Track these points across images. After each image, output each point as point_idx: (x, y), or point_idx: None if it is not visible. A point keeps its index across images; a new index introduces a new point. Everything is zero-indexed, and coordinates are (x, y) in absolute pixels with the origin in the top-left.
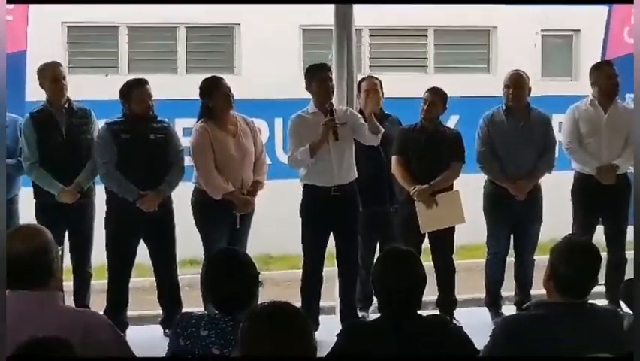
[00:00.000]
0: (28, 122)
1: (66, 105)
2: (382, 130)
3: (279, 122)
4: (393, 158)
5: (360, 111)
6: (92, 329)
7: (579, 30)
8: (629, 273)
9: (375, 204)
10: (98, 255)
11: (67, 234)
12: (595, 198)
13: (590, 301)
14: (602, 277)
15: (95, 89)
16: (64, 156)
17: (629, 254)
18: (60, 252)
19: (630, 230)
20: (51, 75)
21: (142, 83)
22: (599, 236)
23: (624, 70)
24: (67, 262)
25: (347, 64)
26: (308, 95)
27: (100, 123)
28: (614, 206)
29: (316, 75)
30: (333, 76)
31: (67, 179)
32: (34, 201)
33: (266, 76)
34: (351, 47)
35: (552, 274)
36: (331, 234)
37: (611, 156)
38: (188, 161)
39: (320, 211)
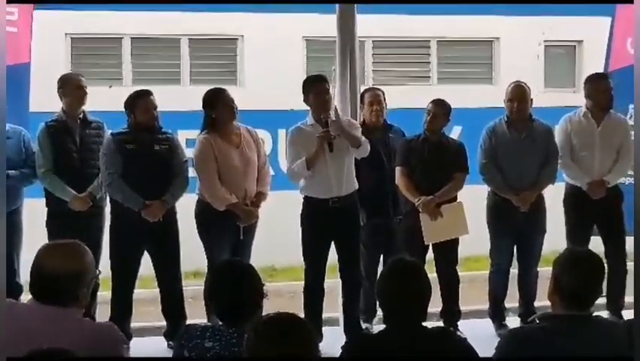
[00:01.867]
0: (43, 130)
1: (81, 116)
2: (361, 140)
3: (282, 133)
4: (397, 169)
5: (364, 123)
6: (109, 342)
7: (582, 41)
8: (630, 284)
9: (379, 215)
10: (104, 266)
11: None
12: (586, 209)
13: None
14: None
15: (98, 100)
16: (77, 165)
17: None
18: (99, 273)
19: (629, 240)
20: (76, 83)
21: (146, 93)
22: (599, 247)
23: (626, 81)
24: None
25: (350, 75)
26: None
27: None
28: (607, 217)
29: (313, 87)
30: (337, 87)
31: (80, 188)
32: (44, 210)
33: (269, 87)
34: (354, 58)
35: (556, 286)
36: (333, 245)
37: (602, 170)
38: (191, 172)
39: (319, 223)
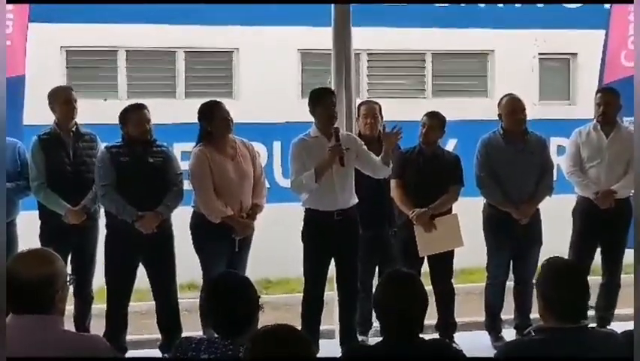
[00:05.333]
0: (36, 144)
1: (73, 129)
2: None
3: (277, 146)
4: (392, 181)
5: (359, 135)
6: (93, 353)
7: (576, 54)
8: (621, 298)
9: (374, 227)
10: (98, 279)
11: (70, 256)
12: (595, 222)
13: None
14: (592, 301)
15: (93, 113)
16: (71, 178)
17: (624, 278)
18: (71, 280)
19: (627, 253)
20: (64, 97)
21: (139, 107)
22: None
23: (622, 94)
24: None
25: (345, 88)
26: (307, 118)
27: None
28: (614, 231)
29: (322, 99)
30: None
31: (74, 201)
32: (38, 222)
33: (264, 100)
34: (349, 70)
35: (544, 302)
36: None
37: (610, 181)
38: (187, 185)
39: (322, 236)
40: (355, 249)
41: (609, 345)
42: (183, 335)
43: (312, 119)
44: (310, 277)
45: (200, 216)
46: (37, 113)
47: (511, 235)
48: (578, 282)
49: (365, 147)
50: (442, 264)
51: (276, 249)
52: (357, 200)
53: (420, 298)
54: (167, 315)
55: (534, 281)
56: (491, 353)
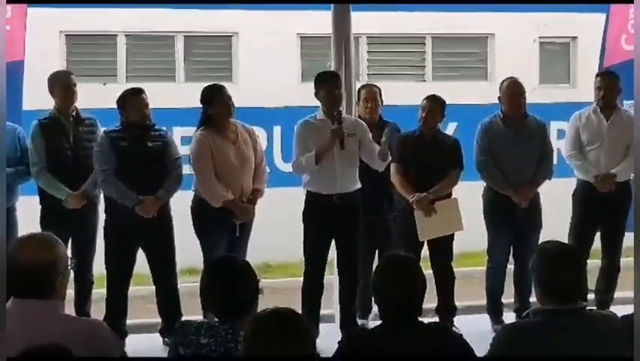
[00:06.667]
0: (36, 128)
1: (73, 113)
2: (390, 158)
3: (277, 131)
4: (392, 165)
5: (359, 118)
6: (94, 337)
7: (576, 37)
8: (621, 281)
9: (374, 211)
10: (98, 263)
11: (70, 240)
12: (595, 205)
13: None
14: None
15: (92, 97)
16: (71, 163)
17: (624, 261)
18: (72, 265)
19: (627, 236)
20: (63, 82)
21: (138, 92)
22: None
23: (622, 77)
24: None
25: (345, 72)
26: (307, 103)
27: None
28: (614, 214)
29: (326, 83)
30: None
31: (74, 185)
32: (39, 207)
33: (264, 84)
34: (349, 54)
35: (540, 287)
36: (333, 242)
37: (610, 164)
38: (187, 169)
39: (322, 218)
40: (355, 233)
41: (608, 327)
42: (183, 319)
43: (312, 103)
44: (310, 259)
45: (200, 200)
46: (37, 99)
47: (511, 219)
48: (572, 265)
49: (370, 136)
50: (442, 248)
51: (276, 233)
52: (359, 185)
53: (417, 281)
54: (167, 299)
55: (530, 266)
56: (490, 336)
